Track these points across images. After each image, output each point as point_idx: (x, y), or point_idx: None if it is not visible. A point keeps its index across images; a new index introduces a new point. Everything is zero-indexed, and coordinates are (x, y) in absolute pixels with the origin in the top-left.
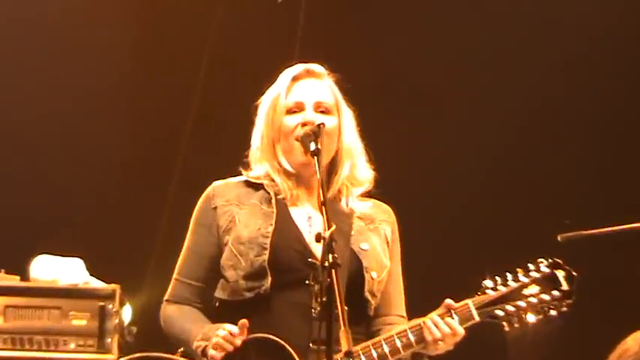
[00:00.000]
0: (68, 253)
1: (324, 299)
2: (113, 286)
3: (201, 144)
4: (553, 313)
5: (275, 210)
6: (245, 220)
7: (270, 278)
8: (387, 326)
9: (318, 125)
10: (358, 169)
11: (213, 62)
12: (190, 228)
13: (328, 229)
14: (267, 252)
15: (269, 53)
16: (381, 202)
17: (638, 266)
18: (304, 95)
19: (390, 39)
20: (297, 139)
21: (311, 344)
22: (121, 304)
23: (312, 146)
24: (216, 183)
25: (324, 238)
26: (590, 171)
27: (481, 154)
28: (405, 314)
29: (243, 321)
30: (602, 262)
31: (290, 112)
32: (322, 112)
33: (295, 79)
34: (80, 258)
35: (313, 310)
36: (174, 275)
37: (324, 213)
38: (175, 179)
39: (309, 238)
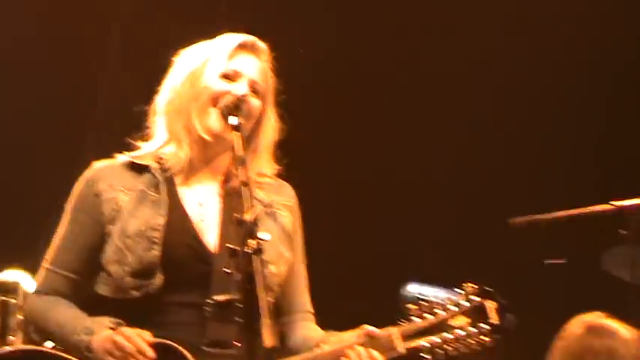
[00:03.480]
0: None
1: (245, 288)
2: (15, 278)
3: (109, 123)
4: (478, 347)
5: (165, 197)
6: (132, 210)
7: (160, 276)
8: (292, 324)
9: (240, 97)
10: (266, 162)
11: (124, 37)
12: (67, 214)
13: (250, 212)
14: (157, 247)
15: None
16: (281, 181)
17: (584, 252)
18: (246, 68)
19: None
20: (218, 108)
21: (204, 347)
22: (25, 299)
23: (235, 120)
24: (96, 164)
25: (244, 222)
26: (528, 162)
27: (412, 139)
28: (311, 309)
29: (144, 334)
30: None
31: (224, 77)
32: (254, 92)
33: (241, 46)
34: None
35: (206, 310)
36: (46, 264)
37: (247, 193)
38: (84, 160)
39: (202, 230)
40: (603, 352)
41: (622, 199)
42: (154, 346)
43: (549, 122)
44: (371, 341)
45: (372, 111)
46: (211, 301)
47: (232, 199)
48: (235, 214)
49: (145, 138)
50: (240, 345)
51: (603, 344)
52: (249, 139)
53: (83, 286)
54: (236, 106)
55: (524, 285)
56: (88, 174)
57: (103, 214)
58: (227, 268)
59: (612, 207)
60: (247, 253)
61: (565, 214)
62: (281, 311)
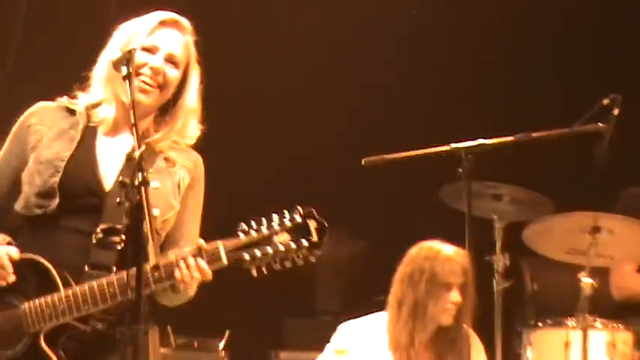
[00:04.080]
0: None
1: (131, 216)
2: None
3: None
4: (300, 262)
5: (79, 136)
6: (49, 142)
7: (57, 200)
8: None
9: (129, 51)
10: (190, 126)
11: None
12: (7, 141)
13: (138, 149)
14: (59, 175)
15: None
16: (192, 150)
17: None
18: (162, 42)
19: None
20: (111, 63)
21: (87, 267)
22: None
23: (124, 70)
24: (40, 103)
25: (133, 158)
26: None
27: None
28: None
29: (13, 250)
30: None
31: (143, 49)
32: (172, 63)
33: (162, 23)
34: None
35: (94, 237)
36: None
37: (135, 134)
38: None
39: (105, 170)
40: (427, 271)
41: (461, 142)
42: (24, 261)
43: (397, 68)
44: (200, 253)
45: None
46: (98, 229)
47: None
48: (128, 152)
49: (84, 90)
50: (118, 269)
51: (428, 264)
52: (173, 104)
53: (6, 201)
54: (123, 58)
55: (376, 219)
56: (29, 110)
57: (28, 143)
58: (118, 200)
59: (451, 148)
60: (135, 185)
61: (412, 154)
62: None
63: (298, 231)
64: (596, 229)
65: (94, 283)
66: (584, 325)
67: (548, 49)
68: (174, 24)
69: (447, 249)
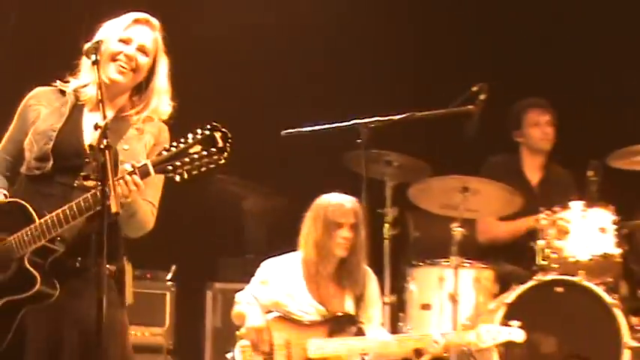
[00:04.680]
0: None
1: (98, 174)
2: None
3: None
4: (211, 166)
5: (67, 112)
6: (45, 117)
7: (51, 162)
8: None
9: (97, 42)
10: (162, 104)
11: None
12: (14, 118)
13: (104, 119)
14: (51, 142)
15: None
16: (161, 123)
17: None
18: (135, 35)
19: None
20: (83, 51)
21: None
22: None
23: (93, 58)
24: (38, 88)
25: (100, 127)
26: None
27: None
28: (157, 201)
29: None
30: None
31: (121, 41)
32: (143, 52)
33: (136, 21)
34: None
35: (76, 182)
36: None
37: (102, 109)
38: None
39: (87, 138)
40: (323, 214)
41: (360, 118)
42: (10, 205)
43: (305, 50)
44: (134, 171)
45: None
46: (79, 176)
47: (114, 123)
48: (95, 123)
49: (74, 75)
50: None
51: (324, 209)
52: (146, 85)
53: (16, 166)
54: (92, 47)
55: (293, 179)
56: (30, 93)
57: (29, 119)
58: (87, 158)
59: (352, 123)
60: (100, 147)
61: (322, 128)
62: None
63: (207, 141)
64: (465, 189)
65: (60, 209)
66: (456, 265)
67: (433, 43)
68: (146, 22)
69: (339, 197)
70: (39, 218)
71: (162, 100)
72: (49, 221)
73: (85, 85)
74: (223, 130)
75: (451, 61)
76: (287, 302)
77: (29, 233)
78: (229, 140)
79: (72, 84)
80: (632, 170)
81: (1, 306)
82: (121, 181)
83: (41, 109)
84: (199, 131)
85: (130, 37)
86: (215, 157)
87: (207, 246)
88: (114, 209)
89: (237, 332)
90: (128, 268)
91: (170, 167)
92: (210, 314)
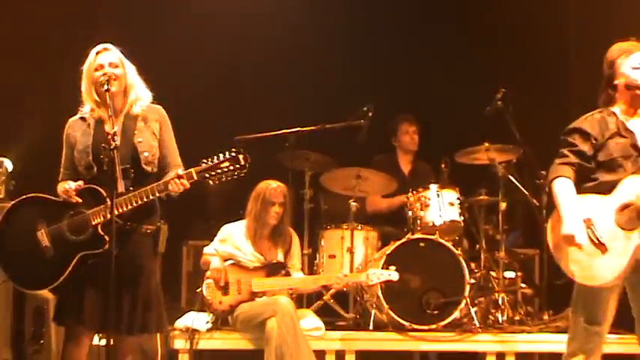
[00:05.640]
0: None
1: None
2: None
3: None
4: (235, 176)
5: (91, 131)
6: (79, 138)
7: (95, 168)
8: (170, 172)
9: (105, 75)
10: (140, 92)
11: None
12: (63, 143)
13: (112, 129)
14: (90, 155)
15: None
16: (156, 106)
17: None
18: (103, 60)
19: None
20: (98, 83)
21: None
22: None
23: (106, 86)
24: (70, 120)
25: (110, 134)
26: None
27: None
28: (180, 162)
29: (79, 183)
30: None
31: (95, 69)
32: (114, 66)
33: (97, 52)
34: None
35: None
36: (61, 168)
37: (110, 120)
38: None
39: (103, 142)
40: (261, 194)
41: (289, 127)
42: (86, 189)
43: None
44: (182, 175)
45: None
46: (119, 169)
47: (127, 123)
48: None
49: (82, 105)
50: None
51: (262, 191)
52: (129, 86)
53: (73, 175)
54: (104, 81)
55: None
56: (67, 124)
57: (71, 143)
58: (104, 157)
59: (282, 132)
60: (111, 148)
61: (262, 135)
62: (162, 168)
63: (233, 160)
64: (359, 177)
65: (123, 197)
66: (351, 227)
67: (334, 71)
68: (105, 49)
69: (273, 183)
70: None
71: (138, 90)
72: (116, 202)
73: (92, 109)
74: (245, 154)
75: (347, 85)
76: (238, 254)
77: (103, 209)
78: (248, 161)
79: (84, 110)
80: (471, 164)
81: (78, 258)
82: (174, 179)
83: (76, 134)
84: (228, 152)
85: (101, 63)
86: (238, 171)
87: (183, 215)
88: (119, 189)
89: (207, 274)
90: (164, 228)
91: (207, 175)
92: (185, 263)
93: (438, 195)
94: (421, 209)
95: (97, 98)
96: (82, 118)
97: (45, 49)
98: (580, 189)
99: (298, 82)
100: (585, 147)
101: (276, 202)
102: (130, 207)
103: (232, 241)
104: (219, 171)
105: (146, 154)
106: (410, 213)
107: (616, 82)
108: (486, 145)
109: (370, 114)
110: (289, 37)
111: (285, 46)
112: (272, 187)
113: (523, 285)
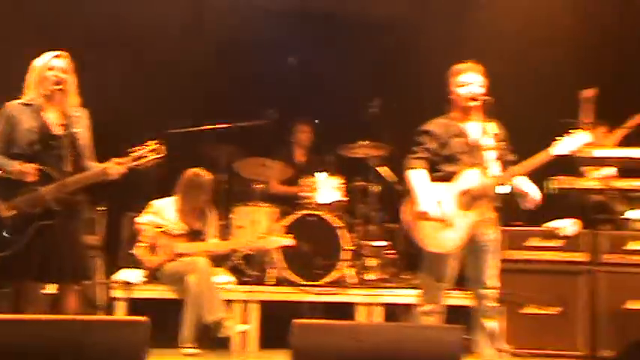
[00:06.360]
0: None
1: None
2: None
3: None
4: (156, 161)
5: (35, 114)
6: (25, 118)
7: (38, 145)
8: (87, 160)
9: (57, 77)
10: (73, 97)
11: None
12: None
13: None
14: (35, 134)
15: None
16: (81, 108)
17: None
18: (57, 65)
19: None
20: (50, 81)
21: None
22: None
23: (58, 86)
24: (8, 103)
25: (64, 124)
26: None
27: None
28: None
29: (33, 165)
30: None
31: (49, 69)
32: (63, 73)
33: (56, 57)
34: None
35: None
36: None
37: (63, 113)
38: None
39: (52, 126)
40: (188, 180)
41: (211, 125)
42: (38, 170)
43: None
44: (120, 162)
45: None
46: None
47: (66, 116)
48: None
49: (25, 93)
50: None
51: (189, 177)
52: (69, 90)
53: (5, 150)
54: (57, 83)
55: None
56: (5, 106)
57: (12, 122)
58: (53, 141)
59: (204, 128)
60: (61, 135)
61: (190, 129)
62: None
63: (153, 150)
64: (263, 165)
65: (73, 177)
66: (257, 205)
67: (250, 78)
68: (60, 55)
69: (199, 171)
70: (58, 180)
71: (73, 95)
72: (66, 181)
73: (34, 97)
74: (161, 146)
75: (257, 91)
76: (166, 223)
77: (54, 187)
78: (163, 150)
79: (27, 97)
80: (352, 157)
81: (37, 227)
82: (115, 166)
83: (17, 115)
84: (149, 144)
85: (54, 66)
86: (157, 156)
87: (123, 193)
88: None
89: (139, 239)
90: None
91: (134, 163)
92: (123, 230)
93: (326, 180)
94: (311, 191)
95: (42, 92)
96: (26, 104)
97: None
98: (430, 178)
99: (221, 86)
100: (433, 145)
101: (205, 190)
102: (78, 187)
103: (162, 214)
104: (141, 160)
105: (81, 142)
106: (303, 194)
107: (451, 96)
108: (362, 142)
109: (274, 116)
110: (214, 48)
111: (213, 57)
112: (204, 178)
113: (389, 252)
